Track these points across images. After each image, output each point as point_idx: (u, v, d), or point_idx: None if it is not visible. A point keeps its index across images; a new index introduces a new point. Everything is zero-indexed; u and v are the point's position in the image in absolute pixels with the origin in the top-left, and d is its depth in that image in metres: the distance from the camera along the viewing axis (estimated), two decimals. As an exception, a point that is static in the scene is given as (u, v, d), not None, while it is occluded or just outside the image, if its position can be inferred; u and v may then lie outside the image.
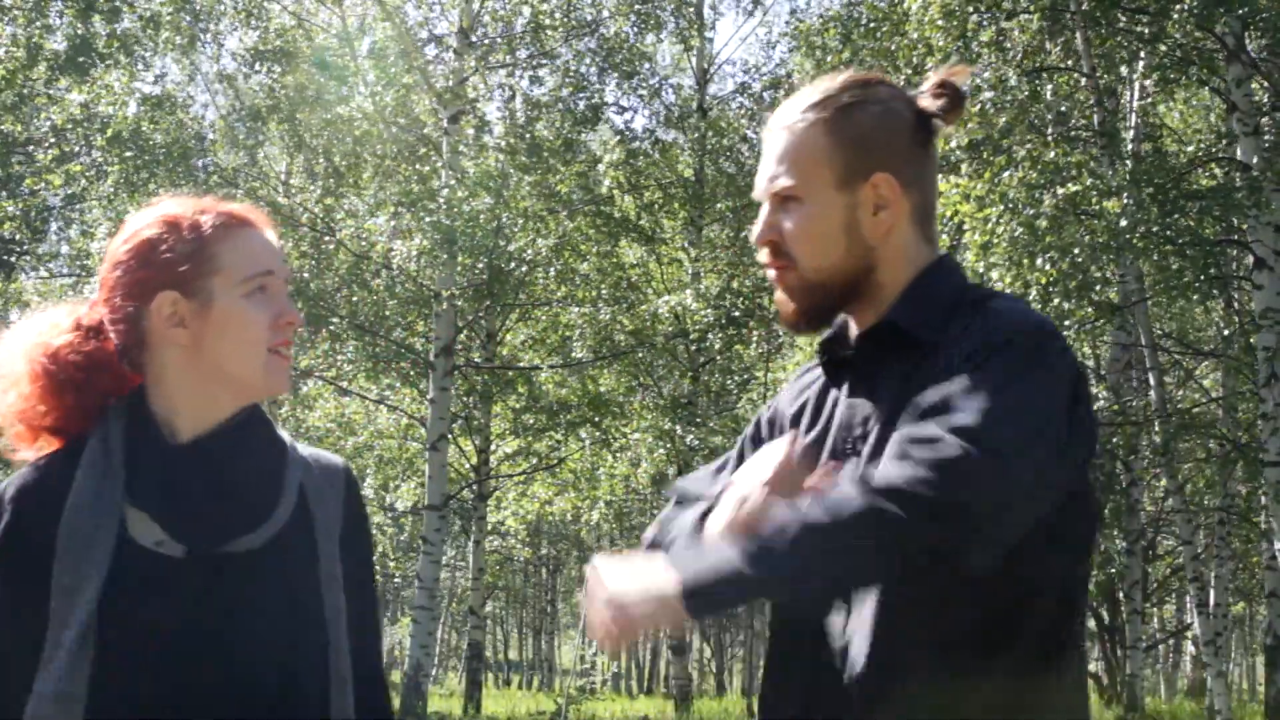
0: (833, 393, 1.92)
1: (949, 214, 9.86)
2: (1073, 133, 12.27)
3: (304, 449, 1.97)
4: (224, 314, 1.86)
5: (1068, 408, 1.73)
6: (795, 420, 1.95)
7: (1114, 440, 15.35)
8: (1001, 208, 10.46)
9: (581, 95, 16.09)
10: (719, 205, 19.09)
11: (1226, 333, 16.60)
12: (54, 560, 1.79)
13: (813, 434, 1.90)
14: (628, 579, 1.67)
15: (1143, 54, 13.32)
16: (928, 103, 1.90)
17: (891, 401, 1.79)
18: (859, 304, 1.88)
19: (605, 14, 16.51)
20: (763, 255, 1.91)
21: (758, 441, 1.97)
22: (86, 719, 1.74)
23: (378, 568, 35.84)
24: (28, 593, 1.80)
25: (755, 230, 1.91)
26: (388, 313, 15.84)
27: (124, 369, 1.91)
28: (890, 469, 1.63)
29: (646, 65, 18.03)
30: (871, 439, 1.79)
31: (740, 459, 1.97)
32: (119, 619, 1.77)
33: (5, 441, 1.94)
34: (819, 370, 1.98)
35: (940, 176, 11.55)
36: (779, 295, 1.92)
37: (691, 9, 19.78)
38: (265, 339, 1.87)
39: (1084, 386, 1.78)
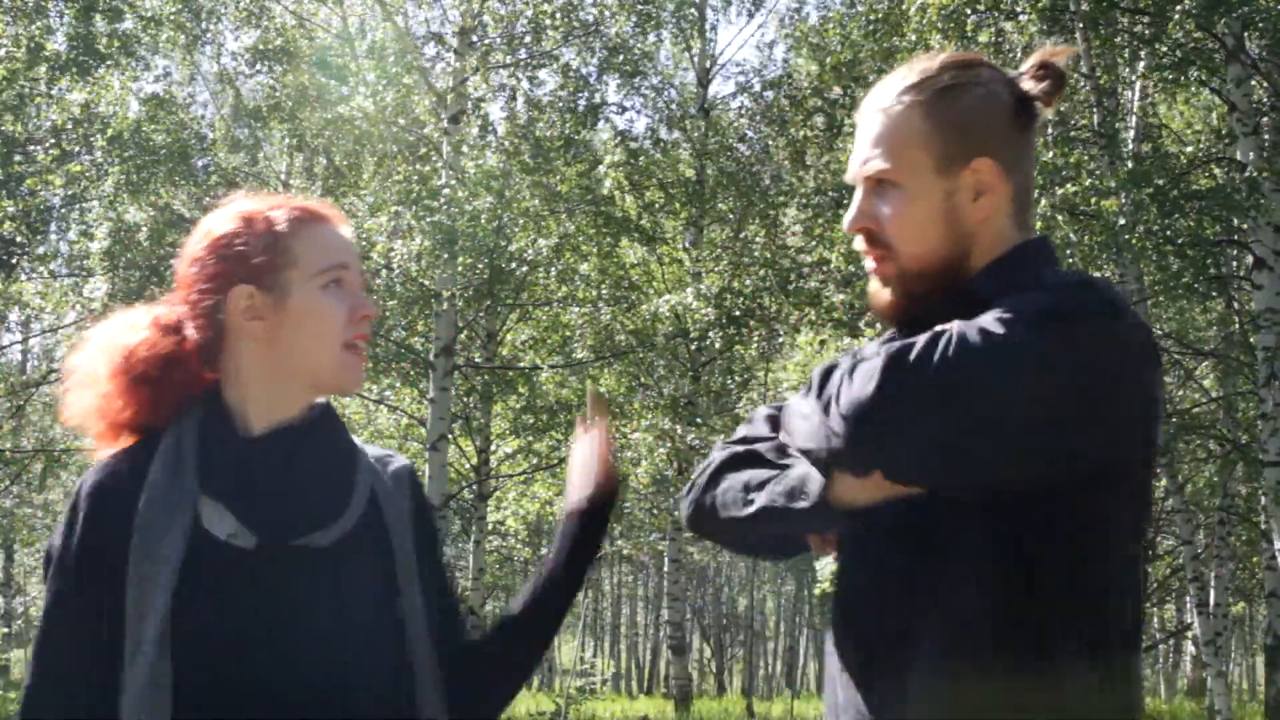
0: None
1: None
2: (1072, 133, 12.28)
3: (372, 450, 1.99)
4: (300, 307, 1.89)
5: (1087, 365, 1.65)
6: None
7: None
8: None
9: (581, 95, 16.08)
10: (720, 206, 19.10)
11: (1226, 333, 16.61)
12: (129, 553, 1.82)
13: None
14: None
15: (1143, 54, 13.33)
16: (1029, 85, 1.86)
17: None
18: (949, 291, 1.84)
19: (607, 14, 16.49)
20: (858, 243, 1.87)
21: None
22: (176, 709, 1.76)
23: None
24: (105, 587, 1.82)
25: (849, 215, 1.86)
26: (388, 313, 15.84)
27: (199, 365, 1.95)
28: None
29: (649, 64, 18.04)
30: None
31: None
32: (194, 609, 1.79)
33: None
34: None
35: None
36: (873, 287, 1.87)
37: (693, 9, 19.78)
38: (340, 333, 1.90)
39: (1116, 378, 1.68)
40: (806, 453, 1.73)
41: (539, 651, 2.04)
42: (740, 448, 1.88)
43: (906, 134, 1.82)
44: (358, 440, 2.00)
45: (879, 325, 14.12)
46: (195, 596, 1.80)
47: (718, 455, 1.89)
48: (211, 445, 1.88)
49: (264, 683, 1.78)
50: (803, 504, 1.73)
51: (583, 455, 2.07)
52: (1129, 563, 1.75)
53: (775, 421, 1.95)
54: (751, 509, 1.78)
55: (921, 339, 1.66)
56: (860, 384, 1.65)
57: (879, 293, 1.87)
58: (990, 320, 1.65)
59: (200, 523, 1.83)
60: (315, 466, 1.90)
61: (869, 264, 1.87)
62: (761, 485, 1.78)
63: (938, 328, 1.67)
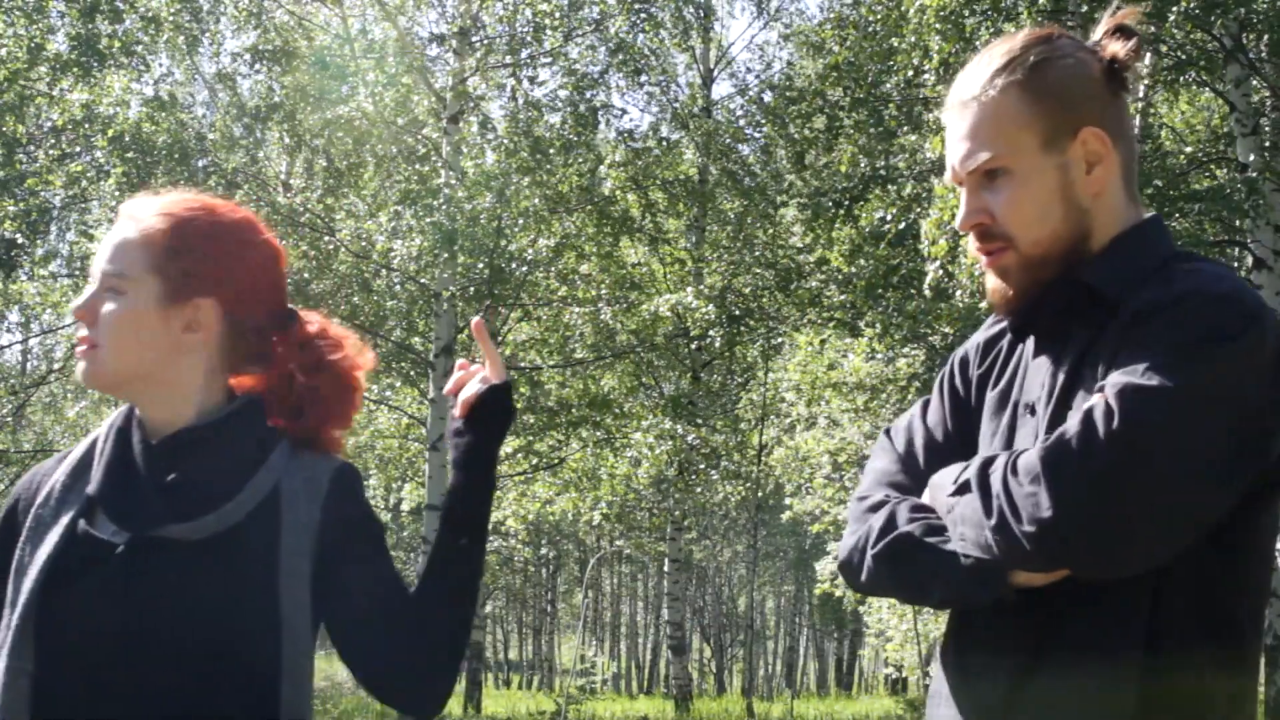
0: (1019, 352, 1.86)
1: (946, 218, 9.87)
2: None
3: (309, 454, 1.97)
4: None
5: (1250, 388, 1.61)
6: (984, 379, 1.90)
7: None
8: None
9: (584, 96, 16.04)
10: (723, 205, 19.10)
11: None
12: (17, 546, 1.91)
13: (997, 389, 1.86)
14: None
15: (1146, 54, 13.32)
16: (1116, 47, 1.79)
17: (1073, 364, 1.73)
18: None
19: (610, 14, 16.46)
20: (971, 242, 1.81)
21: (954, 386, 1.93)
22: (33, 692, 1.80)
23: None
24: (5, 579, 1.92)
25: (960, 215, 1.81)
26: (388, 313, 15.84)
27: None
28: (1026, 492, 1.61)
29: (655, 62, 18.02)
30: (1051, 403, 1.73)
31: (941, 397, 1.94)
32: (60, 600, 1.83)
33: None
34: (1004, 327, 1.91)
35: (938, 178, 11.58)
36: (993, 283, 1.82)
37: (699, 8, 19.76)
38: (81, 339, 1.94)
39: (1273, 388, 1.63)
40: (980, 560, 1.66)
41: (458, 605, 1.92)
42: (896, 506, 1.79)
43: (1007, 117, 1.76)
44: (289, 443, 1.98)
45: (878, 325, 14.14)
46: (63, 588, 1.83)
47: (872, 522, 1.80)
48: (114, 448, 1.94)
49: (121, 672, 1.80)
50: (984, 596, 1.68)
51: (466, 376, 2.01)
52: (1266, 560, 1.74)
53: (903, 456, 1.91)
54: (935, 598, 1.74)
55: (1074, 423, 1.59)
56: (1033, 491, 1.58)
57: (999, 289, 1.81)
58: (1142, 372, 1.59)
59: (83, 523, 1.88)
60: (203, 467, 1.90)
61: (983, 260, 1.81)
62: (938, 573, 1.71)
63: (1088, 404, 1.62)
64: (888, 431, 1.96)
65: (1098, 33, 1.83)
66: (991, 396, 1.86)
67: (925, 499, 1.78)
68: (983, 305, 9.95)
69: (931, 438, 1.90)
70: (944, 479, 1.76)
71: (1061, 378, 1.73)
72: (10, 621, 1.84)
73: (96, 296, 1.91)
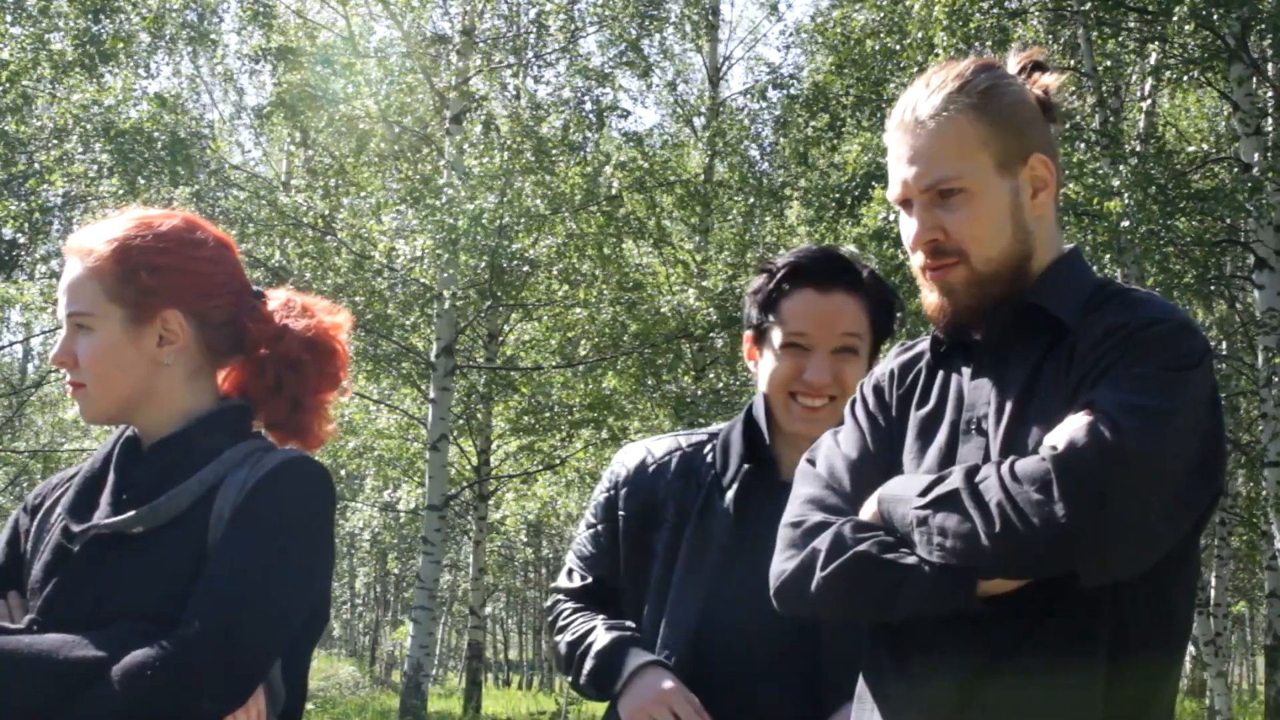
0: (944, 374, 1.89)
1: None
2: (1073, 132, 12.27)
3: (271, 456, 1.98)
4: None
5: (1207, 410, 1.71)
6: (905, 400, 1.93)
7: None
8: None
9: (589, 94, 15.99)
10: (727, 205, 19.06)
11: (1229, 332, 16.61)
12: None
13: (925, 410, 1.88)
14: None
15: (1151, 51, 13.30)
16: (1048, 79, 1.87)
17: (1022, 383, 1.77)
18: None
19: (615, 13, 16.42)
20: (918, 258, 1.84)
21: (870, 412, 1.95)
22: None
23: (372, 565, 35.60)
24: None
25: (912, 232, 1.83)
26: (389, 312, 15.82)
27: None
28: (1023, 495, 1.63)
29: (665, 62, 17.98)
30: (1004, 420, 1.76)
31: (857, 422, 1.95)
32: (45, 598, 1.95)
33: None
34: (919, 350, 1.95)
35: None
36: (935, 299, 1.85)
37: (705, 9, 19.74)
38: None
39: (1218, 395, 1.75)
40: (953, 569, 1.67)
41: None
42: (840, 528, 1.79)
43: (965, 139, 1.81)
44: (252, 446, 2.00)
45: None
46: (44, 587, 1.95)
47: (816, 544, 1.79)
48: (104, 461, 2.04)
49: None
50: (954, 604, 1.69)
51: None
52: (1199, 570, 1.85)
53: (828, 480, 1.91)
54: (902, 610, 1.73)
55: (1080, 434, 1.62)
56: (1042, 498, 1.60)
57: (941, 307, 1.84)
58: (1139, 391, 1.65)
59: (64, 524, 1.98)
60: (168, 467, 1.96)
61: (928, 276, 1.84)
62: (904, 586, 1.71)
63: (1078, 416, 1.65)
64: (809, 459, 1.97)
65: (1012, 68, 1.89)
66: (918, 417, 1.89)
67: (864, 516, 1.80)
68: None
69: (853, 462, 1.92)
70: (901, 492, 1.76)
71: (1012, 397, 1.77)
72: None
73: (70, 339, 1.98)
